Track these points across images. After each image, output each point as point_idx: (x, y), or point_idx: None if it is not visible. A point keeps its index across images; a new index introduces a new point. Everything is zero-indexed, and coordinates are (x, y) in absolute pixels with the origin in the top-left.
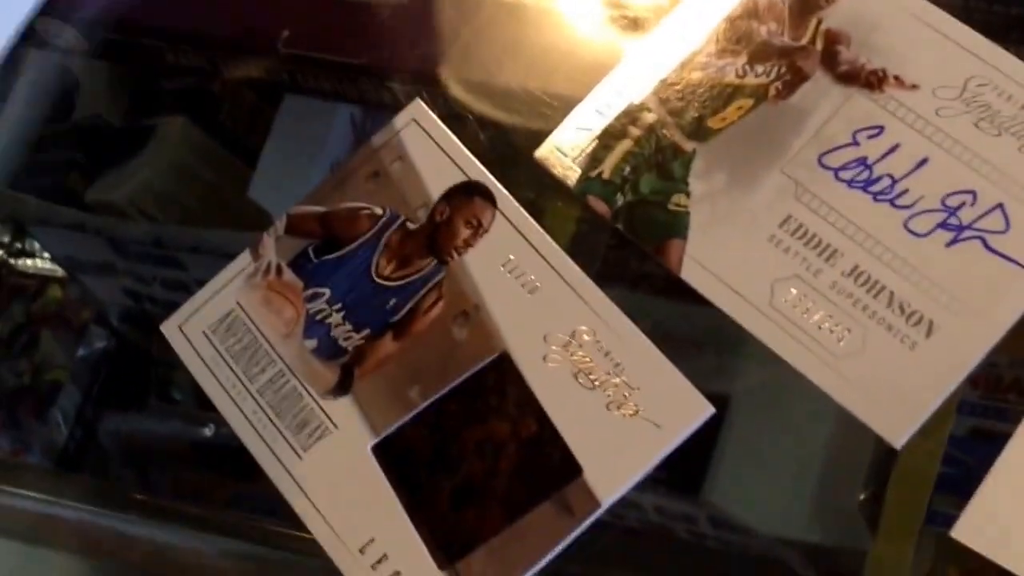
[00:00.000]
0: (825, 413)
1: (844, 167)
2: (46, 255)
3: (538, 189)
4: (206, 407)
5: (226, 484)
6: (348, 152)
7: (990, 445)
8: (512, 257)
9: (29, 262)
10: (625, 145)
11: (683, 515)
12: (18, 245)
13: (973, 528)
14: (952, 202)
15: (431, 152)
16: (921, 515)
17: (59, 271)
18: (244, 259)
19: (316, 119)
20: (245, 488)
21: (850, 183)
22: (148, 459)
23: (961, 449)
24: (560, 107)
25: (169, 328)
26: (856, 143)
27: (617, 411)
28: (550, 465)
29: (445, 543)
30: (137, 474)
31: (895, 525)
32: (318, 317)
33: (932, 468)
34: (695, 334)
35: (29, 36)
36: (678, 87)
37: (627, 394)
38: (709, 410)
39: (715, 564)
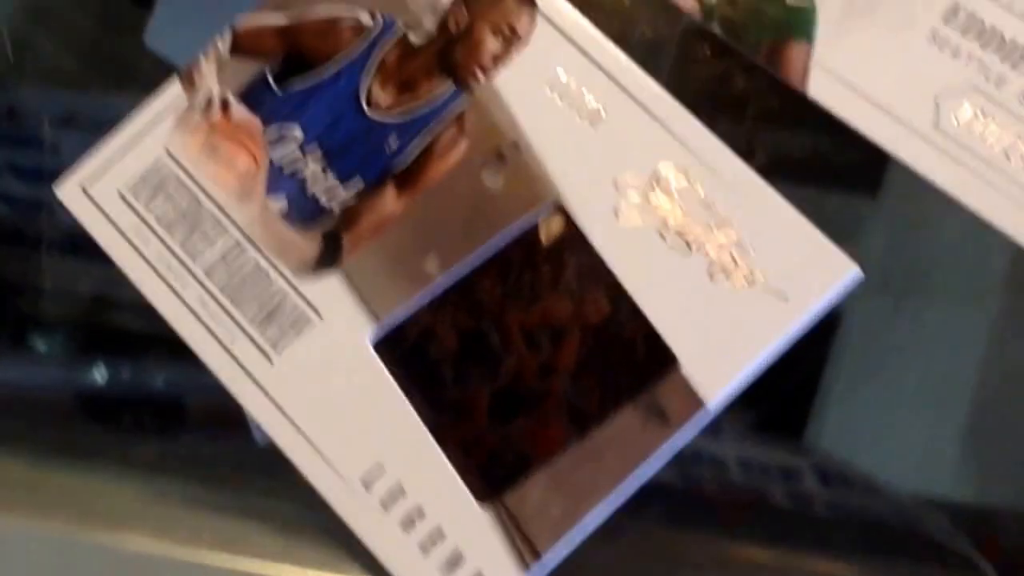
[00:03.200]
0: (978, 319)
1: None
2: None
3: None
4: (89, 348)
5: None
6: None
7: None
8: (562, 75)
9: None
10: None
11: (781, 470)
12: None
13: None
14: None
15: None
16: None
17: None
18: (172, 93)
19: None
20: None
21: None
22: (16, 420)
23: None
24: None
25: (68, 191)
26: None
27: (723, 279)
28: (632, 355)
29: (487, 467)
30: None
31: None
32: (287, 168)
33: None
34: (800, 178)
35: None
36: None
37: (736, 256)
38: (853, 270)
39: (826, 535)
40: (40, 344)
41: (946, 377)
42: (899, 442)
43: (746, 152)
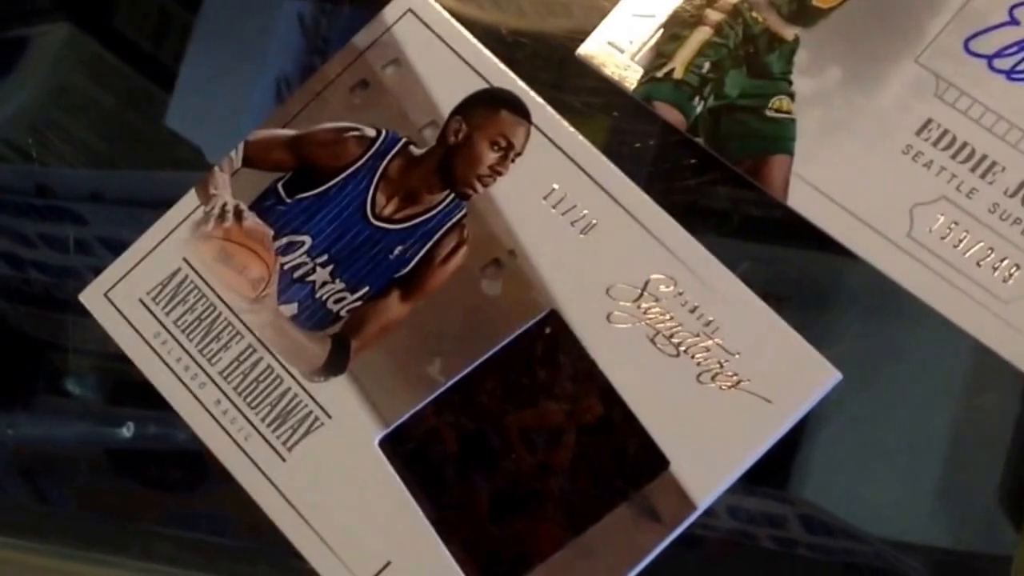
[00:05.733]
0: (951, 381)
1: (1001, 53)
2: None
3: (585, 97)
4: (118, 400)
5: (158, 499)
6: (296, 63)
7: None
8: (556, 186)
9: None
10: (701, 34)
11: (767, 517)
12: None
13: None
14: None
15: (437, 52)
16: None
17: None
18: (189, 203)
19: (250, 22)
20: (184, 503)
21: (1010, 74)
22: (46, 473)
23: None
24: None
25: (91, 297)
26: (1016, 21)
27: (711, 383)
28: (624, 457)
29: (487, 565)
30: (33, 493)
31: None
32: (297, 274)
33: None
34: (782, 284)
35: None
36: None
37: (723, 360)
38: (834, 376)
39: None
40: (69, 400)
41: (919, 439)
42: (876, 493)
43: (730, 259)
